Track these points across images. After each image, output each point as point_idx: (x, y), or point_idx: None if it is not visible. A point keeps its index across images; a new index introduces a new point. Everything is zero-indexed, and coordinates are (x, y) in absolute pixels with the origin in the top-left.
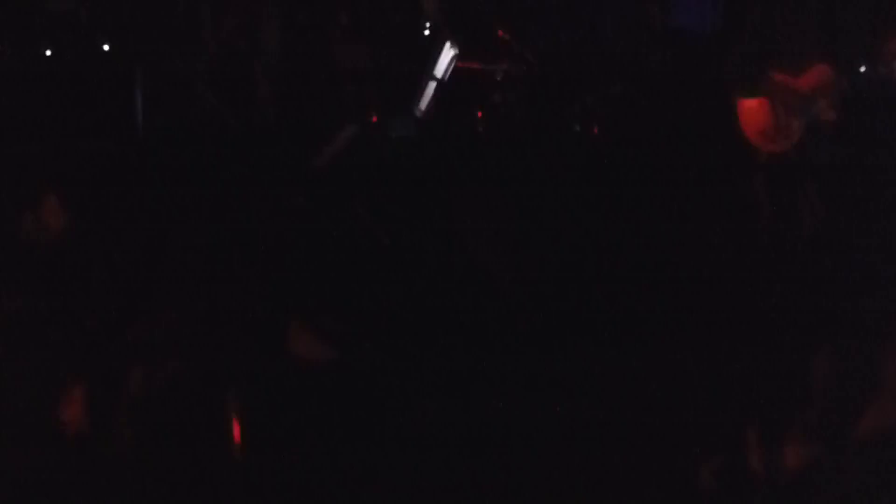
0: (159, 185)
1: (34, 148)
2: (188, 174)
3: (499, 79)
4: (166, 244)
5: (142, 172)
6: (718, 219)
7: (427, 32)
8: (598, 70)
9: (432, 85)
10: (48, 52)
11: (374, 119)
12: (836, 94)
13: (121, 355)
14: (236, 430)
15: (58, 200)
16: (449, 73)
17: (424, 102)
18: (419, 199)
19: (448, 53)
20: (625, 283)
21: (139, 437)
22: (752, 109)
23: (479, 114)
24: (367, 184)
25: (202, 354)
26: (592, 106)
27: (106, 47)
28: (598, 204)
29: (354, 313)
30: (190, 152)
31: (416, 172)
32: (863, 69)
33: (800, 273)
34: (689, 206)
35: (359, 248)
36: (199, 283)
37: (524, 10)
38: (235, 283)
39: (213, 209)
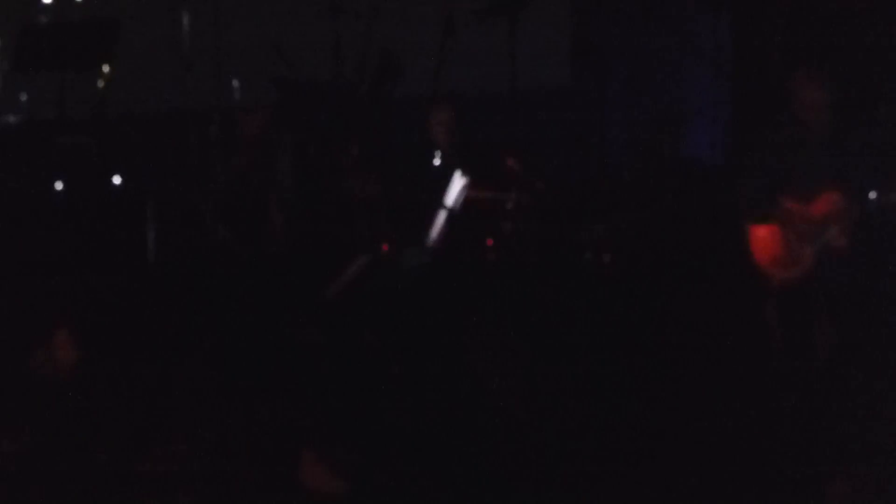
0: (170, 317)
1: (45, 281)
2: (199, 307)
3: (509, 208)
4: (177, 376)
5: (153, 305)
6: (731, 347)
7: (437, 162)
8: (609, 199)
9: (443, 214)
10: (59, 186)
11: (386, 248)
12: (847, 221)
13: (131, 489)
14: None
15: (68, 334)
16: (459, 202)
17: (435, 232)
18: (431, 328)
19: (458, 183)
20: (637, 413)
21: None
22: (764, 237)
23: (490, 242)
24: (379, 313)
25: (213, 487)
26: (603, 235)
27: (117, 180)
28: (611, 333)
29: (366, 444)
30: (201, 285)
31: (427, 301)
32: (872, 195)
33: (812, 399)
34: (703, 334)
35: (370, 378)
36: (210, 415)
37: (533, 141)
38: (247, 414)
39: (224, 340)
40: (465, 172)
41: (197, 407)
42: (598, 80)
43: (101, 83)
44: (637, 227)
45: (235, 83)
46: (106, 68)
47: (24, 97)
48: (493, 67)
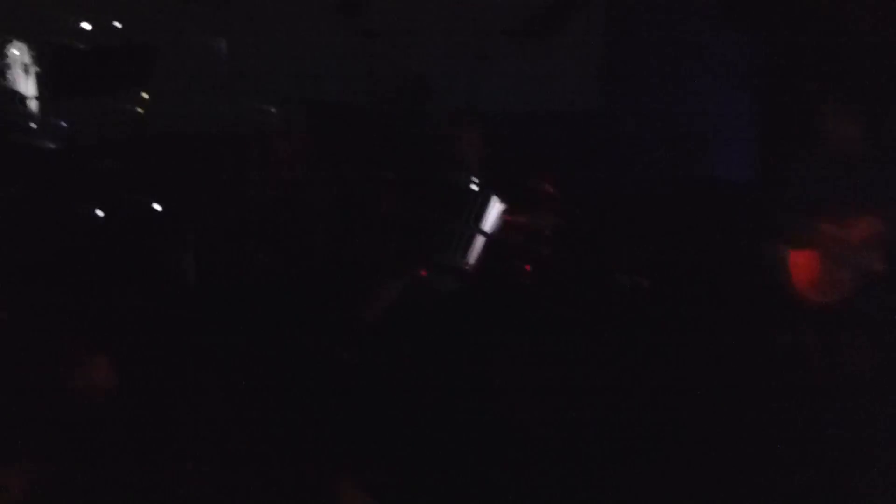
0: (209, 338)
1: (84, 305)
2: (239, 329)
3: (546, 233)
4: (216, 401)
5: (193, 328)
6: (769, 371)
7: (474, 186)
8: (647, 224)
9: (480, 239)
10: (99, 211)
11: (422, 273)
12: (884, 246)
13: None
14: None
15: (107, 357)
16: (496, 227)
17: (472, 256)
18: (466, 353)
19: (495, 207)
20: (672, 436)
21: None
22: (802, 261)
23: (527, 268)
24: (414, 338)
25: None
26: (642, 260)
27: (157, 206)
28: (647, 357)
29: (400, 468)
30: (240, 306)
31: (463, 327)
32: None
33: (849, 423)
34: (738, 357)
35: (405, 403)
36: (246, 437)
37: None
38: (283, 440)
39: (261, 365)
40: (501, 196)
41: (233, 429)
42: (628, 101)
43: (139, 108)
44: (669, 250)
45: (270, 107)
46: (144, 93)
47: (62, 123)
48: (524, 88)
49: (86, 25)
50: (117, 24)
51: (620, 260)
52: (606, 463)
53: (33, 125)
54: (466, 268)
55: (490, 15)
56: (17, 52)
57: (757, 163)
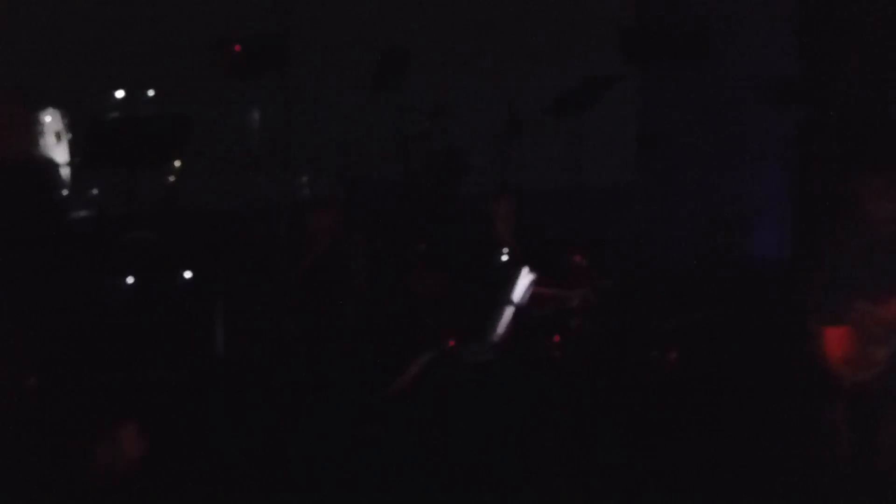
0: (239, 412)
1: (114, 375)
2: (267, 401)
3: (575, 305)
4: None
5: (221, 400)
6: (798, 447)
7: (504, 258)
8: (674, 296)
9: (509, 310)
10: (129, 280)
11: (451, 344)
12: None
13: None
14: None
15: (136, 429)
16: (526, 298)
17: (501, 328)
18: (496, 425)
19: (525, 279)
20: None
21: None
22: (835, 338)
23: (556, 339)
24: (443, 410)
25: None
26: (670, 332)
27: (188, 275)
28: (678, 431)
29: None
30: (270, 379)
31: (492, 398)
32: None
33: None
34: (769, 435)
35: (434, 476)
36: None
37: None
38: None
39: (291, 438)
40: (531, 268)
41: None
42: (663, 175)
43: (171, 178)
44: (703, 325)
45: (304, 179)
46: (177, 163)
47: (94, 191)
48: (559, 163)
49: (119, 94)
50: (151, 93)
51: (651, 333)
52: None
53: (65, 192)
54: (496, 339)
55: (525, 91)
56: (50, 118)
57: (792, 239)
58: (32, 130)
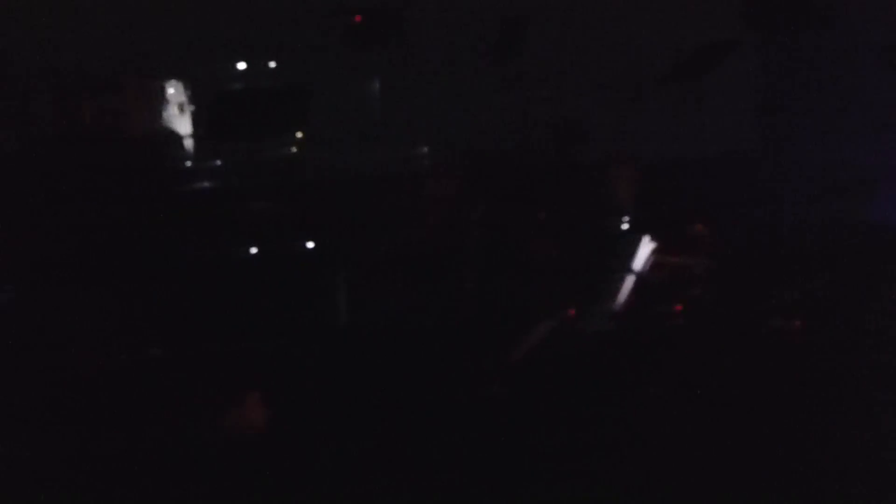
0: (362, 384)
1: (239, 344)
2: (390, 373)
3: (698, 273)
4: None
5: (345, 372)
6: None
7: (623, 227)
8: (799, 264)
9: (629, 279)
10: (253, 250)
11: (571, 313)
12: None
13: None
14: None
15: (260, 397)
16: (645, 267)
17: (621, 296)
18: (617, 395)
19: (644, 247)
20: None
21: None
22: None
23: (678, 308)
24: (564, 379)
25: None
26: (793, 300)
27: (310, 245)
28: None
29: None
30: (392, 351)
31: (613, 367)
32: None
33: None
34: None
35: (556, 445)
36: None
37: (720, 205)
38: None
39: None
40: (651, 237)
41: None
42: (784, 142)
43: (293, 149)
44: (827, 294)
45: (424, 149)
46: (299, 134)
47: (217, 163)
48: (678, 130)
49: (241, 66)
50: (272, 65)
51: (774, 302)
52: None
53: (188, 164)
54: (616, 308)
55: (644, 58)
56: (173, 90)
57: None
58: (158, 105)
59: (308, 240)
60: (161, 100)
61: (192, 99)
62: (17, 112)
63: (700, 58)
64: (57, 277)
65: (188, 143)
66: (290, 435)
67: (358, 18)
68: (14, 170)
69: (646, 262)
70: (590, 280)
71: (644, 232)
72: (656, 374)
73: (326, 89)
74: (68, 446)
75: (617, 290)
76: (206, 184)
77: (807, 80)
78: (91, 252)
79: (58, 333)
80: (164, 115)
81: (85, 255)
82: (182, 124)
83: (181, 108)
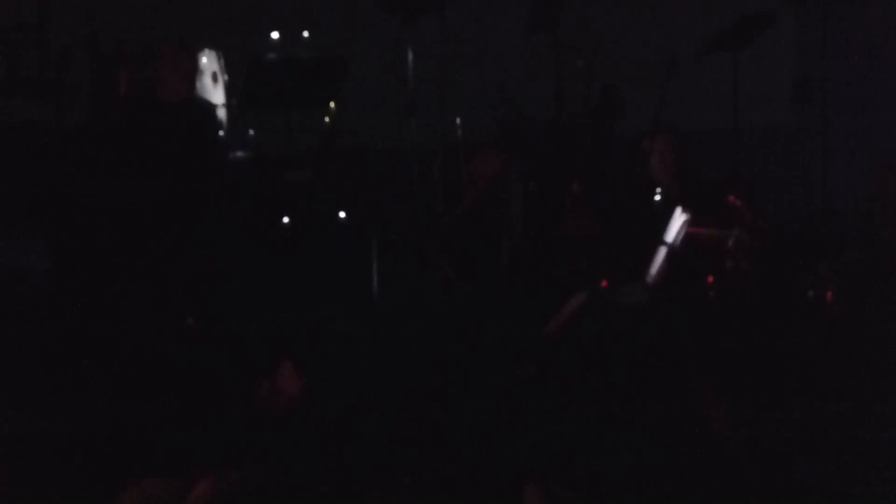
0: (391, 354)
1: (272, 316)
2: (421, 346)
3: (730, 245)
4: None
5: (374, 343)
6: None
7: (658, 198)
8: (833, 237)
9: (663, 251)
10: (286, 220)
11: (605, 284)
12: None
13: None
14: None
15: (293, 369)
16: (680, 238)
17: (655, 268)
18: (649, 366)
19: (679, 219)
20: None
21: None
22: None
23: (711, 279)
24: (598, 351)
25: None
26: (827, 273)
27: (342, 215)
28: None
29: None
30: (422, 323)
31: (646, 339)
32: None
33: None
34: None
35: (590, 418)
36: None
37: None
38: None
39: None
40: (686, 208)
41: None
42: (821, 115)
43: (327, 119)
44: (862, 267)
45: (458, 120)
46: (332, 105)
47: (251, 132)
48: (715, 104)
49: (276, 35)
50: (306, 35)
51: (806, 275)
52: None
53: (222, 133)
54: (650, 280)
55: (681, 29)
56: (207, 60)
57: None
58: (194, 74)
59: (341, 210)
60: (195, 69)
61: (227, 68)
62: (58, 85)
63: (739, 29)
64: (93, 249)
65: (222, 112)
66: (323, 406)
67: None
68: (53, 141)
69: (679, 234)
70: (624, 252)
71: (678, 204)
72: (689, 345)
73: (361, 60)
74: (100, 417)
75: (651, 261)
76: (241, 153)
77: (845, 53)
78: (125, 224)
79: (98, 304)
80: (199, 84)
81: (119, 227)
82: (217, 93)
83: (215, 78)
